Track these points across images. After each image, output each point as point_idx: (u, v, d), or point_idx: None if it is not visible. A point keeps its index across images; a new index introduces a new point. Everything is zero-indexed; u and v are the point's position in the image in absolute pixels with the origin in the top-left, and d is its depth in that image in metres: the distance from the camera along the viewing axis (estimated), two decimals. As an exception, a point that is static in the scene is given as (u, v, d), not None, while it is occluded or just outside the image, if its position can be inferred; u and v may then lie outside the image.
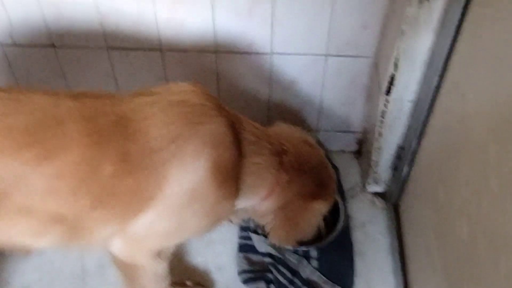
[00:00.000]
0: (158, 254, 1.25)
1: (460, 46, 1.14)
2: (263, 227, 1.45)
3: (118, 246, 1.19)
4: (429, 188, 1.35)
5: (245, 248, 1.62)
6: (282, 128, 1.34)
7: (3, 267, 1.58)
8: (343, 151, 1.90)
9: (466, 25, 1.11)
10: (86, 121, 1.00)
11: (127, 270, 1.28)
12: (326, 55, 1.58)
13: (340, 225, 1.60)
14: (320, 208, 1.35)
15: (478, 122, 1.02)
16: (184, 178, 1.06)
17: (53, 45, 1.62)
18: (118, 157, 1.00)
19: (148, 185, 1.04)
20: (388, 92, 1.42)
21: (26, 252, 1.12)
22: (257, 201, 1.29)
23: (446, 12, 1.18)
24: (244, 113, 1.78)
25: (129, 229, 1.11)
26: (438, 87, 1.26)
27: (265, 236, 1.56)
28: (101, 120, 1.01)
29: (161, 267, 1.30)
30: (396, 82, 1.39)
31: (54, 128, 0.98)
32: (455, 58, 1.17)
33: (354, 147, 1.89)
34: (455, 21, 1.13)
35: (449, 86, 1.21)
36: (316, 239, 1.58)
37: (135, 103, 1.07)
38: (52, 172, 0.97)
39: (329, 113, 1.78)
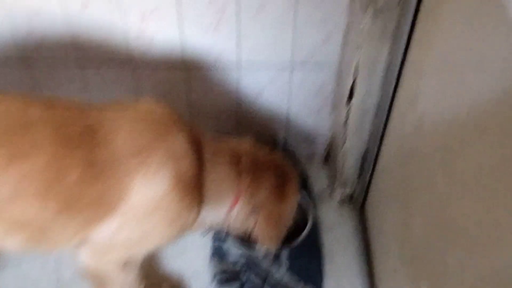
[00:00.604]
0: (125, 265, 1.29)
1: (411, 55, 1.22)
2: (243, 237, 1.49)
3: (85, 258, 1.23)
4: (388, 191, 1.42)
5: (219, 251, 1.67)
6: (230, 140, 1.40)
7: (-21, 281, 1.61)
8: (311, 159, 1.97)
9: (416, 35, 1.19)
10: (54, 128, 1.05)
11: (96, 281, 1.31)
12: (291, 67, 1.65)
13: (309, 226, 1.66)
14: (294, 197, 1.42)
15: (427, 126, 1.09)
16: (148, 188, 1.11)
17: (25, 60, 1.66)
18: (84, 165, 1.05)
19: (112, 193, 1.09)
20: (349, 99, 1.50)
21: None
22: (227, 211, 1.34)
23: (399, 23, 1.26)
24: (213, 125, 1.85)
25: (94, 238, 1.15)
26: (394, 95, 1.34)
27: (245, 247, 1.62)
28: (69, 128, 1.06)
29: (130, 277, 1.34)
30: (356, 90, 1.46)
31: (23, 133, 1.02)
32: (407, 66, 1.25)
33: (322, 154, 1.96)
34: (406, 32, 1.21)
35: (403, 93, 1.28)
36: (287, 241, 1.65)
37: (103, 116, 1.13)
38: (19, 176, 1.01)
39: (297, 123, 1.85)
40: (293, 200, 1.43)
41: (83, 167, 1.05)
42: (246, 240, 1.53)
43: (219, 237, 1.68)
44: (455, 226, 0.92)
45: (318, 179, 1.92)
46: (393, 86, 1.33)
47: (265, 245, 1.43)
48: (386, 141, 1.45)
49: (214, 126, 1.86)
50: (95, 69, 1.69)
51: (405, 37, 1.23)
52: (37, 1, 1.52)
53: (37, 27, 1.58)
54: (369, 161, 1.59)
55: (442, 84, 1.02)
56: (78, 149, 1.06)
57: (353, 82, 1.43)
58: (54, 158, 1.03)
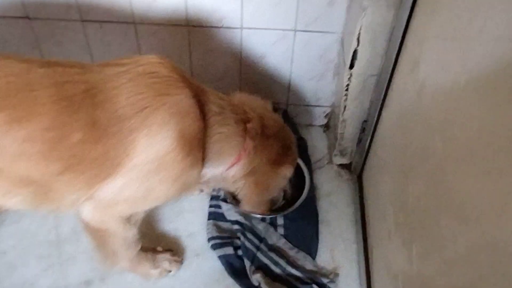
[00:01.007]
0: (128, 220, 1.30)
1: (415, 22, 1.20)
2: (233, 195, 1.54)
3: (87, 212, 1.24)
4: (387, 159, 1.42)
5: (215, 216, 1.68)
6: (243, 97, 1.40)
7: (-21, 234, 1.63)
8: (312, 125, 1.97)
9: (420, 1, 1.17)
10: (57, 88, 1.04)
11: (97, 235, 1.33)
12: (295, 30, 1.63)
13: (304, 194, 1.67)
14: (287, 172, 1.46)
15: (427, 93, 1.09)
16: (152, 146, 1.11)
17: (27, 17, 1.65)
18: (87, 124, 1.05)
19: (116, 152, 1.09)
20: (351, 66, 1.48)
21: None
22: (225, 169, 1.35)
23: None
24: (215, 87, 1.83)
25: (98, 195, 1.16)
26: (396, 61, 1.33)
27: (234, 204, 1.63)
28: (71, 88, 1.05)
29: (130, 233, 1.36)
30: (359, 56, 1.45)
31: (26, 93, 1.02)
32: (410, 33, 1.23)
33: (322, 121, 1.96)
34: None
35: (405, 60, 1.27)
36: (283, 208, 1.67)
37: (105, 73, 1.12)
38: (23, 136, 1.01)
39: (298, 88, 1.84)
40: (285, 174, 1.46)
41: (85, 127, 1.05)
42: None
43: (216, 201, 1.70)
44: (450, 191, 0.93)
45: (318, 146, 1.92)
46: (395, 52, 1.31)
47: (245, 208, 1.50)
48: (386, 109, 1.45)
49: (215, 88, 1.84)
50: (97, 26, 1.67)
51: (409, 3, 1.21)
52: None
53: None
54: (369, 129, 1.59)
55: (443, 51, 1.01)
56: (80, 108, 1.05)
57: (356, 47, 1.42)
58: (57, 119, 1.03)
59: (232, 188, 1.46)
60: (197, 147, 1.19)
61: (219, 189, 1.70)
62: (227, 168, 1.35)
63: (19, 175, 1.06)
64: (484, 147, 0.79)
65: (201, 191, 1.74)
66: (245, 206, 1.48)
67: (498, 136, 0.75)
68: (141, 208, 1.30)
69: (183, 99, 1.15)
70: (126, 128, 1.08)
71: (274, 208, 1.68)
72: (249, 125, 1.32)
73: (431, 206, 1.03)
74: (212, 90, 1.28)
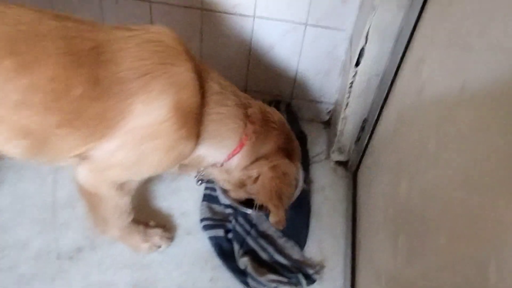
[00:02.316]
0: (120, 187, 1.33)
1: (423, 24, 1.23)
2: (234, 185, 1.48)
3: (82, 174, 1.27)
4: (383, 157, 1.45)
5: (209, 198, 1.71)
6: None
7: (-23, 191, 1.66)
8: (313, 120, 1.99)
9: (430, 4, 1.19)
10: (65, 42, 1.07)
11: (90, 199, 1.36)
12: (306, 24, 1.66)
13: (298, 190, 1.69)
14: (297, 166, 1.45)
15: (427, 95, 1.11)
16: (148, 113, 1.14)
17: (45, -15, 1.68)
18: (88, 81, 1.08)
19: (113, 113, 1.12)
20: (357, 64, 1.51)
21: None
22: (227, 156, 1.36)
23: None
24: (223, 74, 1.86)
25: (92, 156, 1.19)
26: (401, 62, 1.35)
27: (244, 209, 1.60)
28: (79, 44, 1.08)
29: (123, 201, 1.38)
30: (365, 55, 1.47)
31: (34, 43, 1.04)
32: (417, 35, 1.26)
33: (324, 117, 1.98)
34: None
35: (410, 61, 1.29)
36: None
37: (113, 35, 1.14)
38: (27, 84, 1.04)
39: (304, 82, 1.86)
40: (297, 166, 1.44)
41: (87, 83, 1.08)
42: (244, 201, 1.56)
43: (212, 184, 1.72)
44: (437, 187, 0.96)
45: (317, 142, 1.95)
46: (401, 53, 1.33)
47: (265, 200, 1.39)
48: (386, 109, 1.47)
49: (222, 75, 1.87)
50: (113, 1, 1.70)
51: (419, 5, 1.23)
52: None
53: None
54: (368, 128, 1.61)
55: (446, 56, 1.04)
56: (85, 65, 1.08)
57: (364, 45, 1.44)
58: (61, 71, 1.06)
59: (241, 178, 1.41)
60: (193, 121, 1.21)
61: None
62: (228, 157, 1.36)
63: (19, 124, 1.09)
64: (475, 149, 0.82)
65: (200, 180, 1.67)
66: (265, 199, 1.38)
67: (485, 138, 0.78)
68: (134, 175, 1.32)
69: (185, 71, 1.17)
70: (126, 91, 1.11)
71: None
72: (250, 110, 1.34)
73: (418, 199, 1.06)
74: (214, 71, 1.30)
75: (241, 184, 1.43)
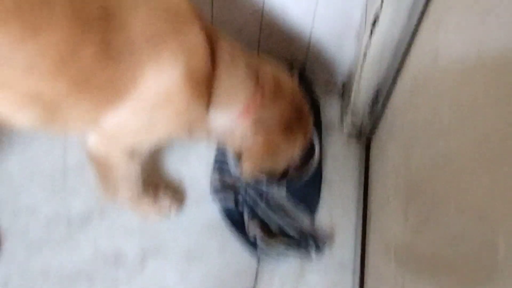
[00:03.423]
0: (131, 154, 1.32)
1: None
2: (239, 153, 1.46)
3: (93, 141, 1.27)
4: (396, 127, 1.40)
5: (220, 169, 1.69)
6: (266, 61, 1.38)
7: (-14, 155, 1.67)
8: (328, 86, 1.94)
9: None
10: (73, 5, 1.03)
11: (100, 166, 1.35)
12: (320, -15, 1.59)
13: (314, 163, 1.65)
14: (299, 143, 1.40)
15: (442, 60, 1.06)
16: (158, 79, 1.11)
17: None
18: (98, 45, 1.04)
19: (123, 78, 1.09)
20: (371, 31, 1.44)
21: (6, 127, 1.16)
22: (233, 118, 1.33)
23: None
24: (235, 37, 1.80)
25: (103, 123, 1.17)
26: (417, 26, 1.28)
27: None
28: (88, 7, 1.04)
29: (133, 168, 1.37)
30: (380, 18, 1.40)
31: (40, 7, 1.00)
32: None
33: (339, 85, 1.92)
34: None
35: (426, 26, 1.23)
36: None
37: (124, 1, 1.10)
38: (35, 49, 1.01)
39: (319, 46, 1.80)
40: (298, 142, 1.40)
41: (97, 48, 1.05)
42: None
43: (223, 153, 1.69)
44: (448, 157, 0.92)
45: (331, 110, 1.89)
46: (417, 16, 1.26)
47: (245, 167, 1.40)
48: (401, 76, 1.41)
49: (235, 40, 1.82)
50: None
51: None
52: None
53: None
54: (382, 97, 1.56)
55: (462, 19, 0.97)
56: (94, 29, 1.05)
57: (379, 8, 1.37)
58: (70, 35, 1.02)
59: (239, 145, 1.41)
60: (204, 87, 1.19)
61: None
62: (236, 116, 1.33)
63: (29, 91, 1.06)
64: (489, 119, 0.78)
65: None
66: (245, 163, 1.40)
67: (504, 112, 0.73)
68: (144, 141, 1.30)
69: (197, 38, 1.14)
70: (137, 56, 1.08)
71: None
72: (261, 74, 1.30)
73: (429, 170, 1.03)
74: (227, 38, 1.26)
75: (237, 149, 1.42)
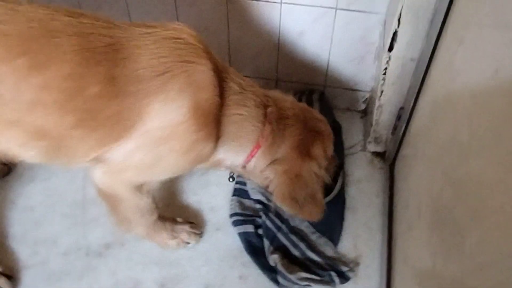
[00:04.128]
0: (139, 188, 1.29)
1: (459, 2, 1.12)
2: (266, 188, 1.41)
3: (99, 176, 1.25)
4: (419, 148, 1.36)
5: (239, 192, 1.66)
6: (272, 91, 1.36)
7: (10, 188, 1.68)
8: (349, 110, 1.90)
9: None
10: (80, 39, 1.02)
11: (109, 200, 1.33)
12: (336, 8, 1.57)
13: (338, 186, 1.61)
14: (318, 154, 1.34)
15: (461, 80, 1.02)
16: (166, 113, 1.09)
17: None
18: (105, 80, 1.04)
19: (130, 113, 1.08)
20: (390, 48, 1.41)
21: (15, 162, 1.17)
22: (246, 158, 1.30)
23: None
24: (252, 63, 1.81)
25: (108, 158, 1.16)
26: (436, 46, 1.25)
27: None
28: (94, 41, 1.04)
29: (143, 202, 1.35)
30: (399, 38, 1.37)
31: (47, 40, 1.01)
32: (453, 16, 1.15)
33: (360, 106, 1.89)
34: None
35: (445, 45, 1.19)
36: None
37: (130, 32, 1.10)
38: (41, 83, 1.01)
39: (337, 70, 1.77)
40: (319, 159, 1.34)
41: (103, 82, 1.04)
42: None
43: (242, 178, 1.67)
44: (471, 180, 0.88)
45: (353, 132, 1.86)
46: (435, 36, 1.23)
47: (280, 203, 1.34)
48: (422, 96, 1.37)
49: (253, 68, 1.82)
50: (138, -8, 1.67)
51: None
52: None
53: None
54: (404, 117, 1.51)
55: (482, 39, 0.94)
56: (101, 63, 1.04)
57: (397, 28, 1.35)
58: (76, 69, 1.02)
59: (260, 180, 1.37)
60: (212, 123, 1.16)
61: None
62: (247, 158, 1.30)
63: (34, 126, 1.06)
64: (504, 137, 0.73)
65: (232, 178, 1.63)
66: (279, 201, 1.33)
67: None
68: (151, 177, 1.28)
69: (204, 70, 1.12)
70: (144, 90, 1.07)
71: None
72: (269, 110, 1.27)
73: (451, 200, 0.97)
74: (234, 70, 1.25)
75: (264, 186, 1.37)
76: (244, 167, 1.33)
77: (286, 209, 1.37)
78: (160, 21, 1.18)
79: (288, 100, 1.35)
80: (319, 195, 1.38)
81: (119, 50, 1.06)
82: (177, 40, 1.13)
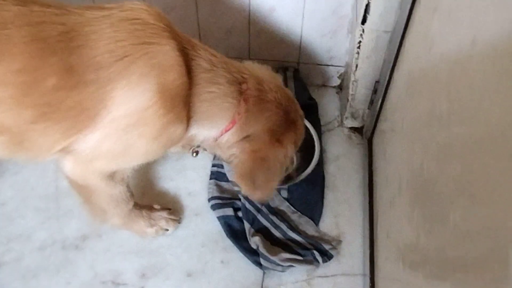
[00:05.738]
0: (111, 177, 1.25)
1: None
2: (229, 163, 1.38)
3: (69, 167, 1.19)
4: (396, 122, 1.33)
5: (217, 175, 1.63)
6: (248, 63, 1.30)
7: (-21, 184, 1.62)
8: (324, 86, 1.87)
9: None
10: (31, 28, 0.96)
11: (82, 192, 1.29)
12: (306, -19, 1.53)
13: (313, 165, 1.58)
14: (289, 149, 1.30)
15: (437, 49, 0.99)
16: (131, 99, 1.04)
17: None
18: (61, 70, 0.98)
19: (92, 102, 1.02)
20: (363, 21, 1.38)
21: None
22: (219, 133, 1.26)
23: None
24: (224, 42, 1.75)
25: (76, 148, 1.11)
26: (410, 16, 1.22)
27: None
28: (47, 29, 0.98)
29: (116, 190, 1.30)
30: (371, 10, 1.34)
31: None
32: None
33: (335, 81, 1.86)
34: None
35: (419, 15, 1.16)
36: (288, 176, 1.53)
37: (85, 16, 1.04)
38: None
39: (310, 45, 1.74)
40: (288, 148, 1.29)
41: (60, 73, 0.98)
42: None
43: (219, 161, 1.63)
44: (450, 151, 0.86)
45: (330, 108, 1.83)
46: (409, 6, 1.20)
47: (237, 182, 1.30)
48: (398, 68, 1.35)
49: (225, 47, 1.77)
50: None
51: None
52: None
53: None
54: (380, 90, 1.49)
55: (457, 6, 0.91)
56: (55, 53, 0.98)
57: (369, 0, 1.31)
58: (29, 62, 0.96)
59: (226, 156, 1.33)
60: (181, 104, 1.11)
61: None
62: (220, 133, 1.25)
63: None
64: (489, 108, 0.71)
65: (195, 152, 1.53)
66: (237, 178, 1.29)
67: (502, 99, 0.66)
68: (122, 164, 1.23)
69: (167, 50, 1.06)
70: (104, 77, 1.01)
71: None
72: (243, 86, 1.21)
73: (431, 165, 0.96)
74: (203, 45, 1.18)
75: (229, 161, 1.32)
76: (215, 140, 1.28)
77: (240, 187, 1.32)
78: (118, 0, 1.11)
79: (273, 82, 1.28)
80: (274, 183, 1.33)
81: (74, 37, 1.00)
82: (135, 21, 1.07)
